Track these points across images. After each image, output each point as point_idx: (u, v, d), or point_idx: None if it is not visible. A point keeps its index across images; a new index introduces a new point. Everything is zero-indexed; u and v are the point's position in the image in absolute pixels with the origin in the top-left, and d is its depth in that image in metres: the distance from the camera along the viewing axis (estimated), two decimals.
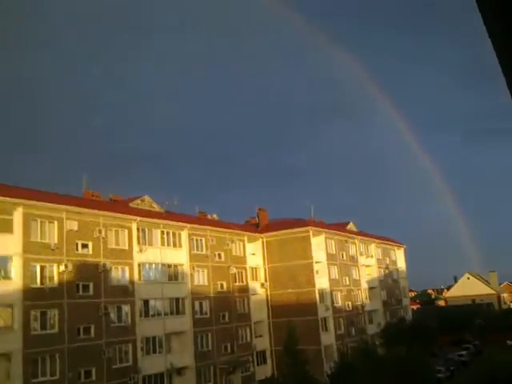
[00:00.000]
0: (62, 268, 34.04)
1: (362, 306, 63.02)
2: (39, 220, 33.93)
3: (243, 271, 52.54)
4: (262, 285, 54.80)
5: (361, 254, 66.02)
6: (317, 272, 54.47)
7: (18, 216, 32.63)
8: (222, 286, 49.01)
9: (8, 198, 32.40)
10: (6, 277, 31.47)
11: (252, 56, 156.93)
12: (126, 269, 39.35)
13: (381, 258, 72.46)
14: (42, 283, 33.12)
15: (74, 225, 35.93)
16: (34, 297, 32.23)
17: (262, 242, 56.01)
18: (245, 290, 52.21)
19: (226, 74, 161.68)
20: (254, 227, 58.74)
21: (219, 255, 49.53)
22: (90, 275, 36.05)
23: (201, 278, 46.68)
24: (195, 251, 46.60)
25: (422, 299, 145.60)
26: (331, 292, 56.38)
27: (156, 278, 42.18)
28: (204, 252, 47.62)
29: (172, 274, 43.93)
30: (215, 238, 49.26)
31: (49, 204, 34.88)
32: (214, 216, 57.25)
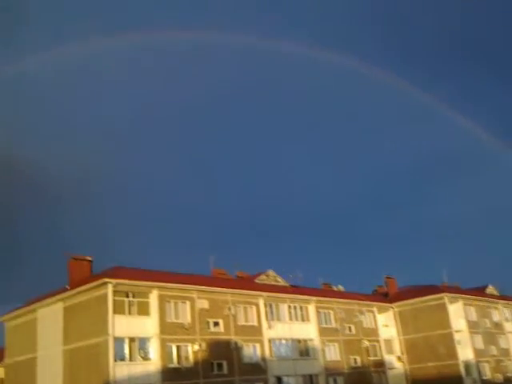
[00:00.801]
0: (197, 347, 34.81)
1: None
2: (173, 301, 35.40)
3: (376, 344, 49.96)
4: (399, 358, 51.49)
5: (506, 320, 60.26)
6: (458, 342, 50.28)
7: (153, 298, 34.38)
8: (355, 360, 46.80)
9: (144, 282, 34.41)
10: (146, 357, 32.80)
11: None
12: (257, 345, 39.20)
13: None
14: (178, 363, 33.98)
15: (204, 304, 36.96)
16: (172, 377, 33.04)
17: (394, 313, 53.31)
18: (380, 365, 49.34)
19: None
20: (383, 296, 56.31)
21: (349, 328, 47.81)
22: (222, 353, 36.41)
23: (332, 353, 45.09)
24: (324, 325, 45.47)
25: None
26: (477, 363, 51.40)
27: (287, 354, 41.40)
28: (333, 325, 46.30)
29: (303, 350, 42.93)
30: (343, 310, 47.82)
31: (181, 285, 36.41)
32: (340, 287, 56.03)
